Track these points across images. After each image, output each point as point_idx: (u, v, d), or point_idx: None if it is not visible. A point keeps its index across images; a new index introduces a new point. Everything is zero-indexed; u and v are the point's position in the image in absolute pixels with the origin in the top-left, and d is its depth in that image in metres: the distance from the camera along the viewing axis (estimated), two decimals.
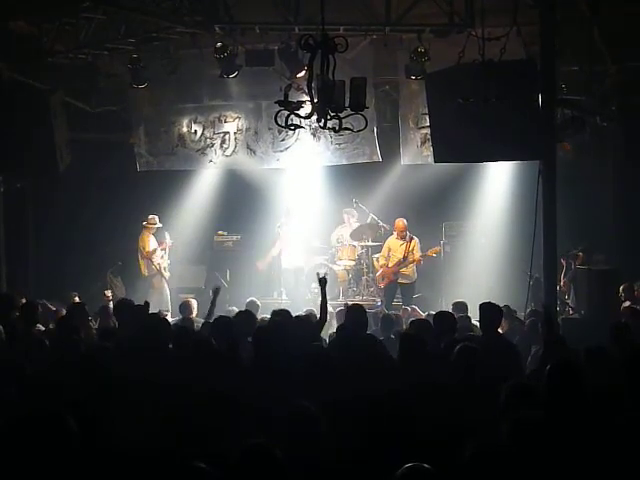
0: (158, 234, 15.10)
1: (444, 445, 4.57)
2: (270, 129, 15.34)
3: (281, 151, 15.64)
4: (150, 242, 14.92)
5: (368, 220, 15.78)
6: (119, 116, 15.73)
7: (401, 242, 14.52)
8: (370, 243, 15.67)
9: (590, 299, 11.66)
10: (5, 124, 12.27)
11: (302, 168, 15.97)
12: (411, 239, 14.50)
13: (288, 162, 15.76)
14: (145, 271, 14.97)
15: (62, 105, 13.49)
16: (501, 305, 8.50)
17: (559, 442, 4.53)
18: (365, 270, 15.68)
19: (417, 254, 14.47)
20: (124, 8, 12.09)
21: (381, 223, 15.52)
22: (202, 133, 15.82)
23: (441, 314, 8.44)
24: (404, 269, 14.50)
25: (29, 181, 14.94)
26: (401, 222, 14.51)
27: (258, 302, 11.15)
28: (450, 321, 8.06)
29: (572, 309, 12.85)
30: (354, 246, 15.71)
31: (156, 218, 15.04)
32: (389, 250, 14.68)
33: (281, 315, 8.54)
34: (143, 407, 5.50)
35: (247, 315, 8.70)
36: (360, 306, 8.75)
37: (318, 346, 7.26)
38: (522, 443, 4.40)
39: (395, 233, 14.66)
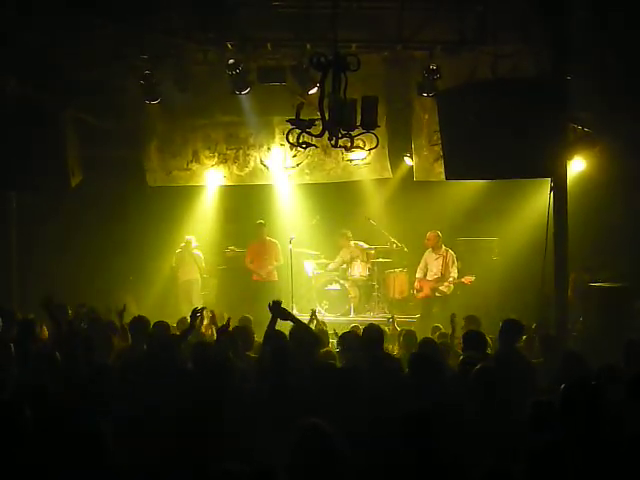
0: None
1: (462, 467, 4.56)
2: (282, 145, 15.42)
3: (293, 167, 15.72)
4: None
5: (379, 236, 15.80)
6: (131, 132, 15.74)
7: (436, 256, 14.51)
8: (381, 259, 15.71)
9: (601, 316, 11.61)
10: (17, 140, 12.26)
11: (313, 184, 15.99)
12: (447, 253, 14.47)
13: (299, 178, 15.83)
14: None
15: (73, 121, 13.52)
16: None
17: (573, 467, 4.49)
18: (376, 286, 15.66)
19: (453, 272, 14.38)
20: (136, 25, 12.14)
21: (392, 239, 15.52)
22: (215, 149, 15.88)
23: (471, 333, 8.27)
24: (442, 287, 14.41)
25: (41, 197, 14.94)
26: (430, 234, 14.51)
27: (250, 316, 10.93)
28: (481, 341, 7.93)
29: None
30: (365, 262, 15.73)
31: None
32: (426, 263, 14.64)
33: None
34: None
35: (244, 330, 8.81)
36: (377, 326, 8.63)
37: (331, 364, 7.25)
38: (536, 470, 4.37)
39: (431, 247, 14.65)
